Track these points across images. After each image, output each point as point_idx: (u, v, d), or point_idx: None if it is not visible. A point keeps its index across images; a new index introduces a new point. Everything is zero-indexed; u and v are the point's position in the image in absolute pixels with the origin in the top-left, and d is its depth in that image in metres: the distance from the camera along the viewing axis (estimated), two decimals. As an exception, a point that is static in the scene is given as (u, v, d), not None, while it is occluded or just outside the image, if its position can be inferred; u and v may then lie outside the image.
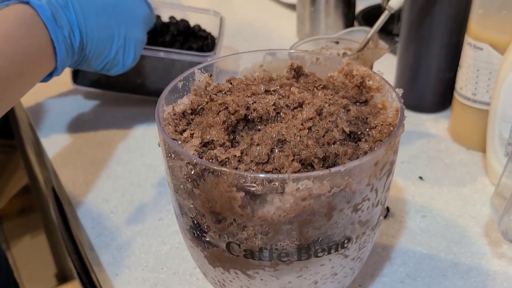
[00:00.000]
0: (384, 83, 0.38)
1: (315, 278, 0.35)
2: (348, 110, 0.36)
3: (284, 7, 0.98)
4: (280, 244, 0.32)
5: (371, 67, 0.56)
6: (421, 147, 0.60)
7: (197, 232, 0.34)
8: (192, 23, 0.74)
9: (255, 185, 0.29)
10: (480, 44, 0.53)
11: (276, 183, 0.29)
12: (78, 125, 0.65)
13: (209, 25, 0.74)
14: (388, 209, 0.51)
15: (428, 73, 0.63)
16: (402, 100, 0.35)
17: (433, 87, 0.64)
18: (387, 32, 0.83)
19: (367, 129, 0.35)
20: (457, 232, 0.48)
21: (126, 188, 0.55)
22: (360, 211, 0.32)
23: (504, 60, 0.49)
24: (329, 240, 0.32)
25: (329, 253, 0.33)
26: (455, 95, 0.58)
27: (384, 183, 0.33)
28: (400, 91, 0.36)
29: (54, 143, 0.62)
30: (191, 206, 0.33)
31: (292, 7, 0.93)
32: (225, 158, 0.32)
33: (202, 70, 0.40)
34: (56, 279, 1.54)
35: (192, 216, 0.34)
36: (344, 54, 0.59)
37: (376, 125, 0.35)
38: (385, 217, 0.50)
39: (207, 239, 0.34)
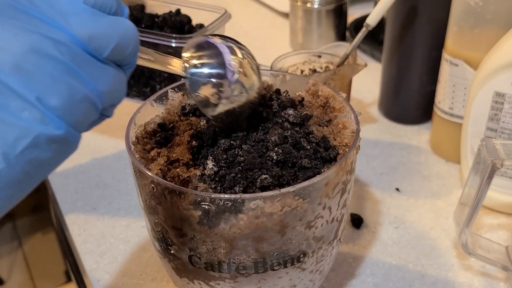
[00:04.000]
0: (345, 104, 0.40)
1: (274, 290, 0.37)
2: (311, 132, 0.38)
3: (279, 16, 1.00)
4: (237, 258, 0.34)
5: (350, 82, 0.58)
6: (401, 158, 0.62)
7: (163, 245, 0.36)
8: (205, 22, 0.69)
9: (210, 204, 0.32)
10: (456, 60, 0.54)
11: (230, 203, 0.31)
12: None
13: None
14: (361, 219, 0.52)
15: (410, 86, 0.64)
16: (359, 122, 0.37)
17: (416, 99, 0.65)
18: (378, 42, 0.84)
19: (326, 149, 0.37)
20: (427, 244, 0.50)
21: (113, 196, 0.57)
22: (314, 228, 0.34)
23: (475, 77, 0.50)
24: (285, 255, 0.34)
25: (285, 266, 0.35)
26: (435, 108, 0.60)
27: (338, 202, 0.35)
28: (358, 113, 0.38)
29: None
30: (156, 221, 0.35)
31: (286, 16, 0.94)
32: (187, 176, 0.34)
33: (176, 89, 0.42)
34: (65, 276, 1.58)
35: (158, 230, 0.36)
36: (327, 68, 0.61)
37: (335, 146, 0.37)
38: (358, 227, 0.52)
39: (172, 251, 0.36)
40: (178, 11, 0.73)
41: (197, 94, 0.33)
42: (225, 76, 0.33)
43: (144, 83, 0.68)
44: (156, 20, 0.71)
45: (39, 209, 1.73)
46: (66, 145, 0.24)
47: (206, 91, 0.33)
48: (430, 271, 0.47)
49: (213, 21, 0.67)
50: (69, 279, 1.56)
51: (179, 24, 0.70)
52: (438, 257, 0.49)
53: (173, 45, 0.62)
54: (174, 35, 0.62)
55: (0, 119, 0.22)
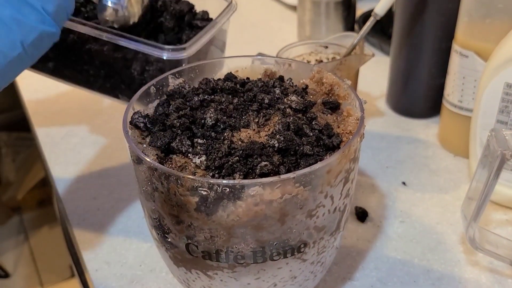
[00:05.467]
0: (350, 91, 0.38)
1: (273, 281, 0.36)
2: (315, 118, 0.37)
3: (286, 9, 0.98)
4: (236, 247, 0.33)
5: (357, 74, 0.57)
6: (408, 152, 0.60)
7: (160, 233, 0.36)
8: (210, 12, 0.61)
9: (208, 190, 0.31)
10: (466, 52, 0.53)
11: (228, 189, 0.30)
12: (75, 123, 0.68)
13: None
14: (366, 213, 0.51)
15: (419, 79, 0.63)
16: (364, 109, 0.36)
17: (424, 92, 0.64)
18: (387, 35, 0.82)
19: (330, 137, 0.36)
20: (433, 239, 0.49)
21: (114, 186, 0.56)
22: (315, 217, 0.33)
23: (485, 68, 0.49)
24: (285, 245, 0.33)
25: (285, 257, 0.34)
26: (443, 101, 0.59)
27: (341, 191, 0.34)
28: (364, 101, 0.37)
29: (50, 141, 0.64)
30: (153, 207, 0.34)
31: (294, 8, 0.93)
32: (184, 162, 0.33)
33: (177, 75, 0.41)
34: (70, 270, 1.58)
35: (154, 217, 0.35)
36: (333, 59, 0.60)
37: (338, 133, 0.36)
38: (363, 221, 0.51)
39: (169, 239, 0.35)
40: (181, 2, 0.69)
41: (103, 14, 0.49)
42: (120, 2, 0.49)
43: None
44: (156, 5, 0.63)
45: (45, 204, 1.74)
46: (55, 38, 0.37)
47: (109, 12, 0.49)
48: (435, 266, 0.46)
49: (219, 13, 0.64)
50: (74, 273, 1.56)
51: (178, 14, 0.60)
52: (444, 252, 0.47)
53: (165, 57, 0.48)
54: (166, 47, 0.48)
55: (19, 20, 0.34)
